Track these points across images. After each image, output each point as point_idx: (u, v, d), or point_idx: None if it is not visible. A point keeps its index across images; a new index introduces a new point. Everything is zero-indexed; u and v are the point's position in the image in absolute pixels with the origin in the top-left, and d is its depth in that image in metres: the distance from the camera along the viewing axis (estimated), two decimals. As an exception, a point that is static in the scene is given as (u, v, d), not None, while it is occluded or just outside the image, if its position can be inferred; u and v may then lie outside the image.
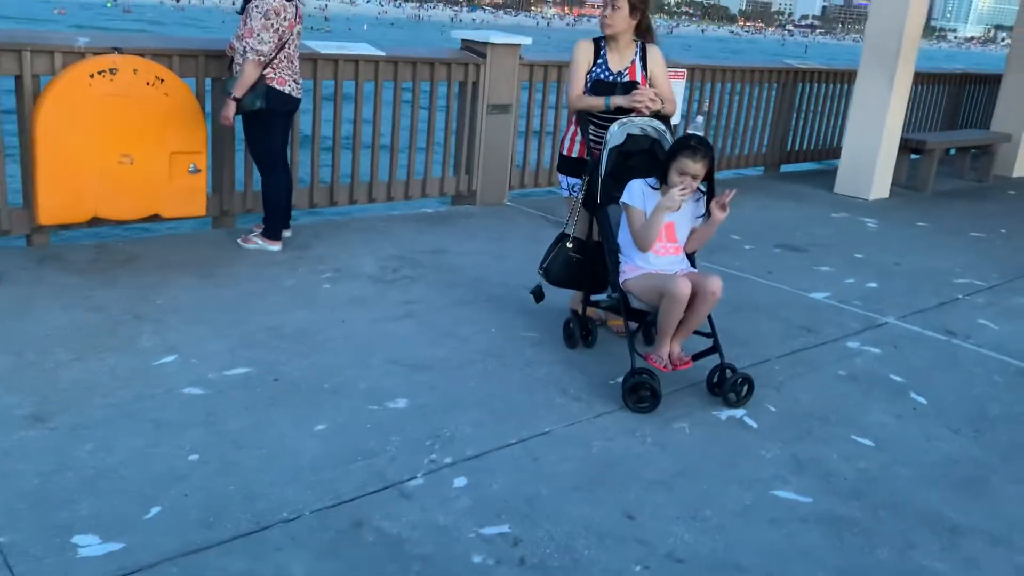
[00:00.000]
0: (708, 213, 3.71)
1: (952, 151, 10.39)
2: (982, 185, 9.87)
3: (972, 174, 10.24)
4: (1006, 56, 10.79)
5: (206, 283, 4.68)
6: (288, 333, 4.10)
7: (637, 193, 3.71)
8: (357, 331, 4.19)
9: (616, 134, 3.92)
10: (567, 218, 4.15)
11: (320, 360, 3.84)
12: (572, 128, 4.24)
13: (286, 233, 5.59)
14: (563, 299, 4.45)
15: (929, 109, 11.05)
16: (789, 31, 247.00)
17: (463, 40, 6.93)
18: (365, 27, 75.54)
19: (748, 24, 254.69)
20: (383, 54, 6.23)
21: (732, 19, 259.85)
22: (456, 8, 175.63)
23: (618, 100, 3.99)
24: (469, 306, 4.66)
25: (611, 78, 4.12)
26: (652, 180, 3.75)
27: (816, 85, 9.66)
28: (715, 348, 3.73)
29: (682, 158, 3.59)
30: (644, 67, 4.17)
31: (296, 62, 5.16)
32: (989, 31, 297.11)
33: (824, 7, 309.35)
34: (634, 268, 3.74)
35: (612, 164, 3.92)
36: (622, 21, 4.06)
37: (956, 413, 3.87)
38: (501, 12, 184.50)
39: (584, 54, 4.12)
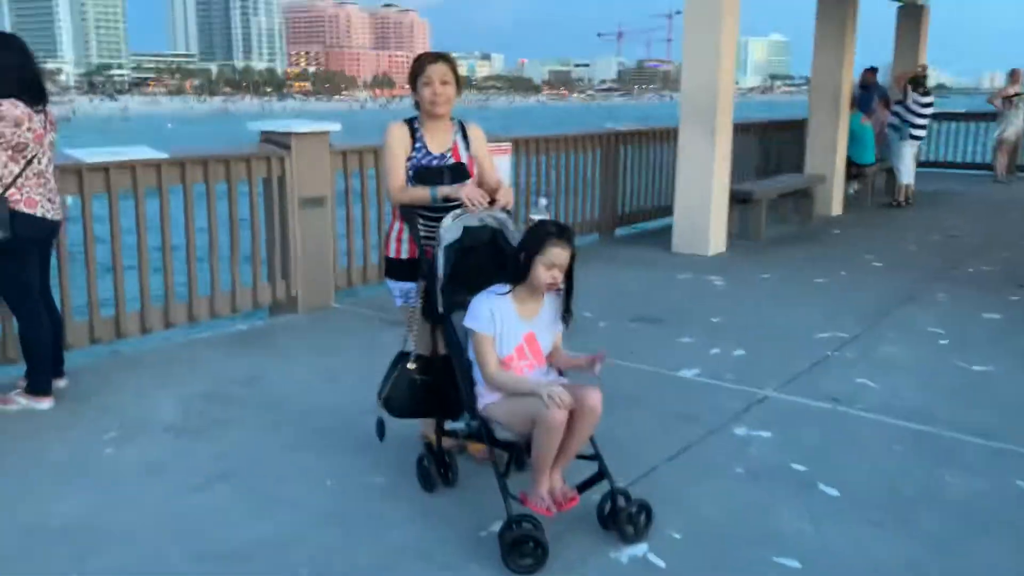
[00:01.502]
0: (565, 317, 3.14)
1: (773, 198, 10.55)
2: (806, 228, 10.03)
3: (795, 217, 10.41)
4: (808, 103, 11.17)
5: (-57, 472, 3.58)
6: (52, 531, 3.11)
7: (484, 313, 3.05)
8: (149, 514, 3.25)
9: (451, 229, 3.27)
10: (405, 333, 3.43)
11: (96, 567, 2.88)
12: (397, 225, 3.56)
13: (60, 383, 4.53)
14: (412, 426, 3.70)
15: (744, 158, 11.24)
16: (591, 95, 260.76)
17: (263, 132, 6.16)
18: (169, 125, 72.53)
19: (553, 92, 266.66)
20: (165, 156, 5.35)
21: (537, 89, 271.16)
22: (265, 99, 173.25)
23: (446, 191, 3.35)
24: (298, 452, 3.81)
25: (435, 162, 3.49)
26: (499, 287, 3.11)
27: (639, 146, 9.54)
28: (601, 474, 3.09)
29: (551, 248, 2.99)
30: (467, 147, 3.58)
31: (51, 177, 4.22)
32: (766, 80, 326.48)
33: (620, 71, 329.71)
34: (493, 390, 3.06)
35: (451, 265, 3.26)
36: (452, 99, 3.47)
37: (872, 502, 3.41)
38: (312, 99, 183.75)
39: (399, 139, 3.48)
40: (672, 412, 4.30)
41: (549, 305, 3.16)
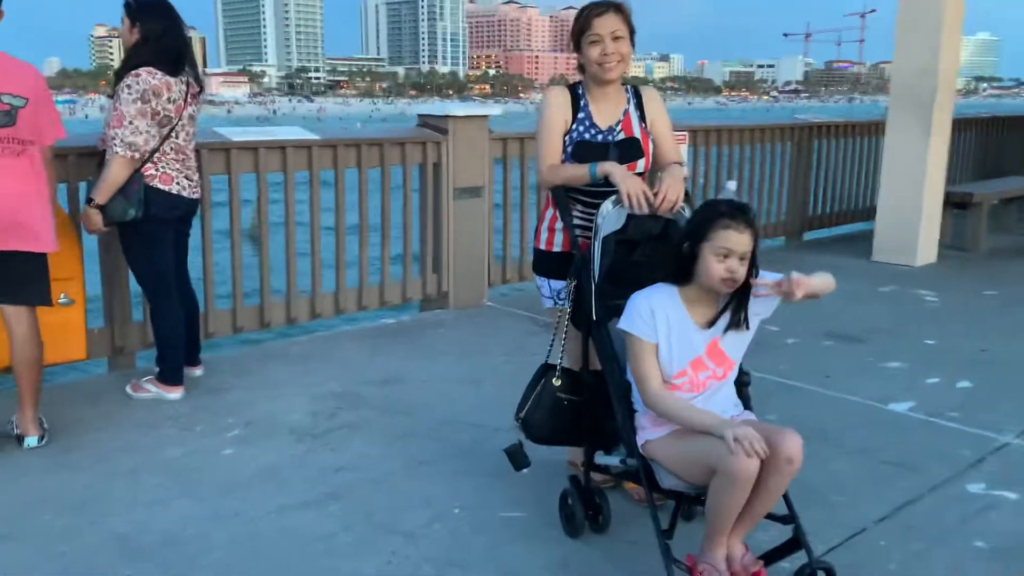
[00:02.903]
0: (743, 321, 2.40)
1: (995, 200, 9.15)
2: (1035, 239, 8.59)
3: (1020, 227, 8.99)
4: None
5: (51, 464, 3.34)
6: (145, 545, 2.74)
7: (643, 312, 2.39)
8: (251, 534, 2.83)
9: (611, 216, 2.65)
10: (551, 341, 2.83)
11: (182, 595, 2.48)
12: (550, 212, 2.97)
13: (195, 372, 4.29)
14: (560, 451, 3.11)
15: (961, 158, 9.87)
16: (775, 97, 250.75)
17: (420, 116, 5.76)
18: (359, 125, 75.69)
19: (733, 94, 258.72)
20: (316, 137, 5.03)
21: (717, 90, 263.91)
22: (447, 100, 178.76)
23: (609, 168, 2.73)
24: (425, 470, 3.31)
25: (600, 137, 2.87)
26: (664, 286, 2.44)
27: (836, 140, 8.49)
28: (797, 540, 2.36)
29: (720, 230, 2.30)
30: (642, 117, 2.93)
31: (190, 154, 3.95)
32: (970, 83, 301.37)
33: (806, 72, 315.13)
34: (658, 421, 2.40)
35: (610, 260, 2.63)
36: (628, 58, 2.85)
37: None
38: (491, 100, 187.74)
39: (559, 109, 2.88)
40: (881, 456, 3.46)
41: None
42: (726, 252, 2.30)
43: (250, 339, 5.29)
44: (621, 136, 2.88)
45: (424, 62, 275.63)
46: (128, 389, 4.07)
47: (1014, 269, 7.14)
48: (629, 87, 2.96)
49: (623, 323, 2.41)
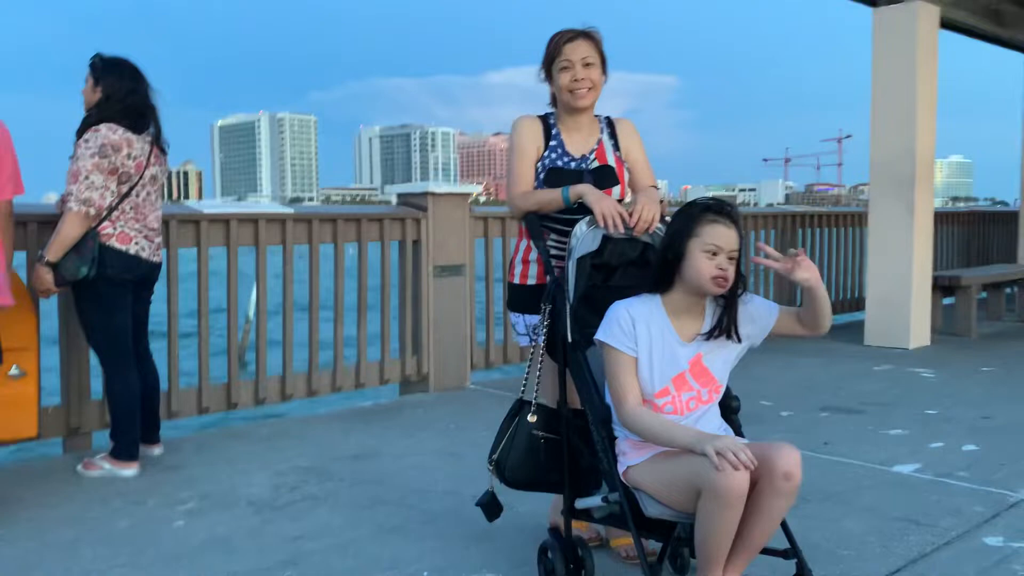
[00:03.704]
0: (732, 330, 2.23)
1: (984, 294, 9.07)
2: (1028, 325, 8.46)
3: (1010, 315, 8.87)
4: (1020, 184, 9.74)
5: (-12, 536, 3.04)
6: (73, 614, 2.44)
7: (622, 322, 2.21)
8: (194, 600, 2.53)
9: (586, 237, 2.50)
10: (525, 376, 2.63)
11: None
12: (523, 243, 2.82)
13: (154, 451, 4.01)
14: (538, 505, 2.85)
15: (947, 249, 9.88)
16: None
17: (399, 195, 5.70)
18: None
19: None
20: (291, 211, 4.93)
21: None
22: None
23: (582, 189, 2.60)
24: (393, 537, 3.02)
25: (573, 165, 2.75)
26: (646, 296, 2.27)
27: (821, 229, 8.46)
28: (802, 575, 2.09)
29: (708, 225, 2.15)
30: (616, 147, 2.83)
31: (151, 215, 3.81)
32: (947, 203, 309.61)
33: (787, 195, 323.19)
34: (640, 446, 2.17)
35: (585, 282, 2.46)
36: (599, 85, 2.77)
37: None
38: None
39: (530, 136, 2.77)
40: (891, 514, 3.20)
41: (717, 318, 2.27)
42: (715, 249, 2.14)
43: (216, 421, 5.03)
44: (595, 164, 2.77)
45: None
46: (79, 467, 3.79)
47: (1010, 349, 6.97)
48: (603, 117, 2.87)
49: (601, 334, 2.22)
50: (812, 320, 2.25)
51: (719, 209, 2.19)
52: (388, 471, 3.78)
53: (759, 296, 2.41)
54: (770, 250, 2.24)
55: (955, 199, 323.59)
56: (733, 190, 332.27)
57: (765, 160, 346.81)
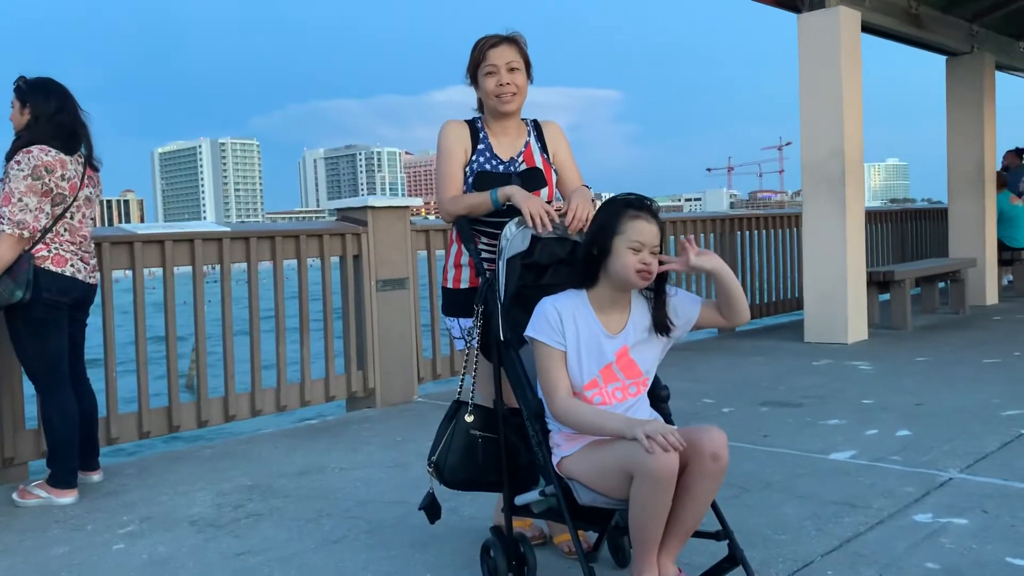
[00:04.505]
0: (664, 324, 2.28)
1: (918, 289, 9.35)
2: (960, 316, 8.74)
3: (944, 308, 9.16)
4: (946, 186, 10.05)
5: (-83, 570, 2.95)
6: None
7: (550, 317, 2.26)
8: (133, 618, 2.49)
9: (516, 238, 2.54)
10: (461, 378, 2.65)
11: None
12: (455, 248, 2.85)
13: (92, 477, 3.93)
14: (482, 508, 2.87)
15: (881, 246, 10.17)
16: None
17: (338, 210, 5.69)
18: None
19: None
20: (227, 229, 4.90)
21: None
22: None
23: (510, 191, 2.64)
24: (337, 548, 3.01)
25: (501, 168, 2.80)
26: (572, 291, 2.32)
27: (758, 232, 8.65)
28: (733, 557, 2.15)
29: (630, 221, 2.20)
30: (544, 149, 2.88)
31: (87, 237, 3.76)
32: (886, 205, 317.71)
33: (732, 203, 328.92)
34: (572, 437, 2.22)
35: (516, 282, 2.50)
36: (524, 89, 2.82)
37: None
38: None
39: (457, 139, 2.81)
40: (825, 499, 3.28)
41: (642, 311, 2.33)
42: (638, 245, 2.19)
43: (158, 444, 4.94)
44: (523, 167, 2.82)
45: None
46: (15, 496, 3.70)
47: (943, 340, 7.20)
48: (529, 120, 2.92)
49: (530, 330, 2.26)
50: (728, 308, 2.30)
51: (640, 205, 2.25)
52: (333, 485, 3.76)
53: (683, 289, 2.47)
54: (666, 257, 2.27)
55: (893, 200, 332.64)
56: (679, 200, 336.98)
57: (709, 170, 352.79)
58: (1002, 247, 10.10)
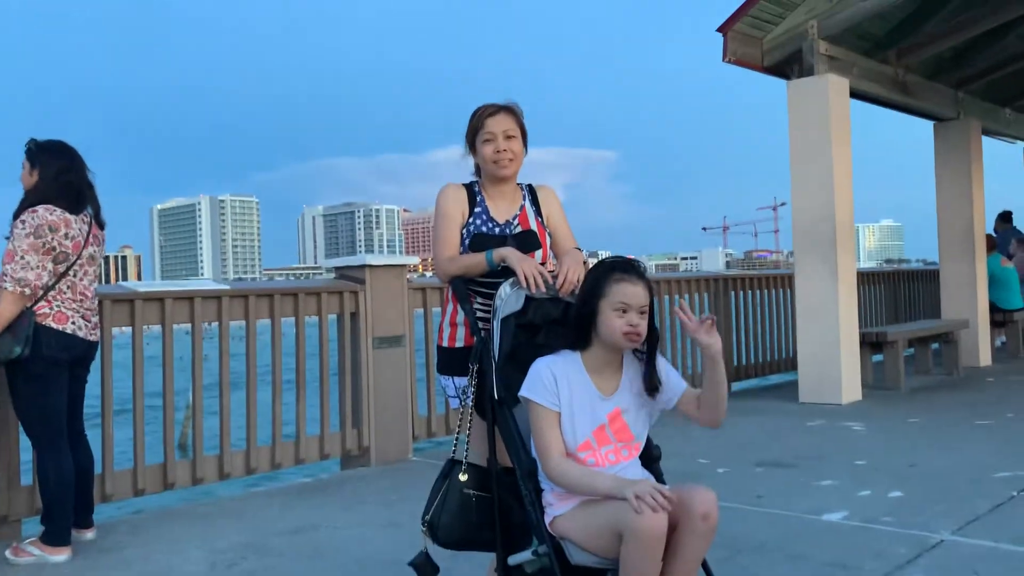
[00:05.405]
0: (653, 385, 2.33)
1: (911, 350, 9.42)
2: (954, 377, 8.78)
3: (938, 369, 9.21)
4: (937, 246, 10.19)
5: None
6: None
7: (545, 378, 2.31)
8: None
9: (510, 298, 2.61)
10: (455, 436, 2.69)
11: None
12: (450, 307, 2.91)
13: (86, 535, 3.93)
14: (475, 568, 2.87)
15: (874, 307, 10.26)
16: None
17: (336, 268, 5.77)
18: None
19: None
20: (227, 287, 4.97)
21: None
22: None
23: (505, 252, 2.72)
24: (331, 604, 3.01)
25: (497, 230, 2.88)
26: (567, 353, 2.38)
27: (752, 292, 8.73)
28: (725, 618, 2.17)
29: (614, 284, 2.27)
30: (538, 212, 2.97)
31: (90, 295, 3.83)
32: (880, 265, 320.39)
33: (728, 262, 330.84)
34: (565, 496, 2.25)
35: (511, 341, 2.56)
36: (520, 156, 2.92)
37: None
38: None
39: (456, 202, 2.90)
40: (820, 559, 3.30)
41: (634, 374, 2.38)
42: (624, 307, 2.26)
43: (152, 502, 4.93)
44: (518, 229, 2.90)
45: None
46: (7, 553, 3.70)
47: (936, 401, 7.24)
48: (524, 185, 3.01)
49: (525, 390, 2.31)
50: (710, 402, 2.33)
51: (625, 267, 2.32)
52: (328, 544, 3.77)
53: (674, 368, 2.51)
54: (688, 310, 2.34)
55: (888, 261, 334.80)
56: (675, 258, 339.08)
57: (704, 229, 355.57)
58: (994, 309, 10.18)
